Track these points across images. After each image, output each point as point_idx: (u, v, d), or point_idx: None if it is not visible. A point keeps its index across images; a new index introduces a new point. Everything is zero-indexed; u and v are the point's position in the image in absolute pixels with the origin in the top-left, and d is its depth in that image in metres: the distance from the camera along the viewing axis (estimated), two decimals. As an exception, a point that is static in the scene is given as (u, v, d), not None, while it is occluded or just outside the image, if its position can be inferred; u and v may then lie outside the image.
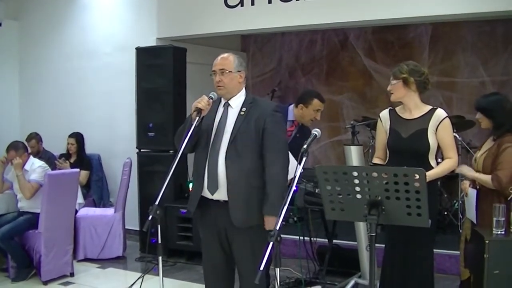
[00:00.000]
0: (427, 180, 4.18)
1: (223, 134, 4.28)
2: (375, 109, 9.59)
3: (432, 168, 4.48)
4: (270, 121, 4.28)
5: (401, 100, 4.62)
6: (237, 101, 4.38)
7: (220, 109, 4.38)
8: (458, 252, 6.34)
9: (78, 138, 8.66)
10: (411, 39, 9.90)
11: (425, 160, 4.49)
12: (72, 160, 8.58)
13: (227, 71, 4.29)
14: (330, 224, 6.62)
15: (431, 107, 4.61)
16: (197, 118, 4.14)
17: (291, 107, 6.13)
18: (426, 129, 4.52)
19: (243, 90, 4.43)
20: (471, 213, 4.93)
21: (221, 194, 4.24)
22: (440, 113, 4.55)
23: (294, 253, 6.81)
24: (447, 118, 4.54)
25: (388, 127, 4.70)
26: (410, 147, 4.50)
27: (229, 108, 4.36)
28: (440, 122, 4.51)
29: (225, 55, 4.39)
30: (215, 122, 4.34)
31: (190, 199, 4.47)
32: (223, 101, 4.38)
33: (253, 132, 4.26)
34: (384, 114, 4.81)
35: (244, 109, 4.32)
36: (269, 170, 4.24)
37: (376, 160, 4.90)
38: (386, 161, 4.76)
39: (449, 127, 4.55)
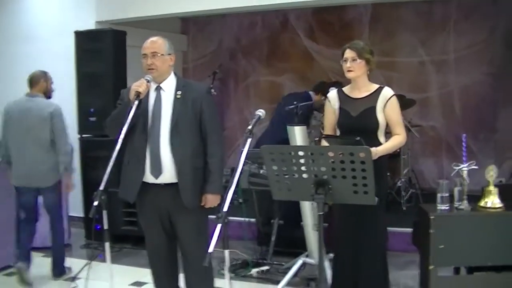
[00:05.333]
0: (379, 155, 4.26)
1: (160, 118, 4.31)
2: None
3: (382, 144, 4.52)
4: (206, 104, 4.41)
5: (355, 79, 4.63)
6: (168, 84, 4.41)
7: (152, 93, 4.38)
8: (402, 229, 6.49)
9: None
10: (351, 20, 9.98)
11: (374, 137, 4.52)
12: None
13: (159, 54, 4.32)
14: (276, 205, 6.63)
15: (378, 85, 4.64)
16: (136, 102, 4.12)
17: (312, 93, 7.61)
18: (375, 107, 4.54)
19: (173, 73, 4.46)
20: None
21: (165, 178, 4.29)
22: (387, 91, 4.59)
23: (240, 234, 6.82)
24: (394, 96, 4.59)
25: (337, 107, 4.70)
26: (359, 125, 4.52)
27: (161, 91, 4.38)
28: (388, 100, 4.55)
29: (155, 38, 4.41)
30: (149, 106, 4.34)
31: (125, 186, 4.48)
32: (153, 85, 4.36)
33: (192, 115, 4.35)
34: (333, 94, 4.81)
35: (179, 92, 4.36)
36: (211, 150, 4.39)
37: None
38: None
39: (396, 104, 4.60)
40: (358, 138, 4.08)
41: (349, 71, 4.58)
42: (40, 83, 6.26)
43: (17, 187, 6.19)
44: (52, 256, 6.37)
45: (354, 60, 4.53)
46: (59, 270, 6.34)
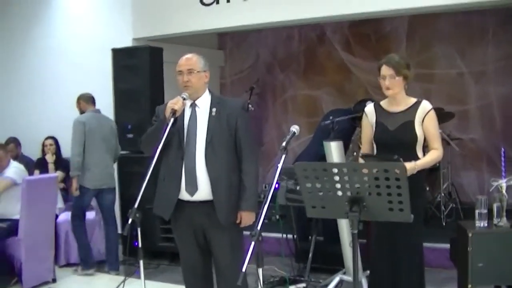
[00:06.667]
0: (418, 169, 4.20)
1: (196, 136, 4.29)
2: (354, 103, 9.59)
3: (420, 159, 4.46)
4: (241, 120, 4.38)
5: (394, 96, 4.58)
6: (204, 101, 4.39)
7: (187, 110, 4.36)
8: (441, 244, 6.37)
9: (55, 140, 8.53)
10: (388, 32, 9.93)
11: (412, 151, 4.46)
12: (52, 161, 8.40)
13: (195, 71, 4.30)
14: (313, 221, 6.58)
15: (416, 99, 4.59)
16: (172, 119, 4.11)
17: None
18: (413, 121, 4.49)
19: (207, 90, 4.44)
20: None
21: (200, 195, 4.26)
22: (426, 105, 4.54)
23: (277, 251, 6.78)
24: (433, 110, 4.54)
25: (374, 121, 4.66)
26: (397, 139, 4.47)
27: (196, 108, 4.36)
28: (426, 114, 4.50)
29: (190, 55, 4.39)
30: (184, 124, 4.33)
31: (160, 203, 4.45)
32: (188, 102, 4.34)
33: (227, 132, 4.32)
34: (370, 109, 4.76)
35: (214, 109, 4.34)
36: (245, 167, 4.36)
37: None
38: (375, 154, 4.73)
39: (434, 118, 4.54)
40: (396, 157, 4.02)
41: (387, 89, 4.52)
42: (95, 102, 7.33)
43: (86, 189, 7.07)
44: (107, 252, 7.27)
45: (392, 77, 4.48)
46: (117, 265, 7.23)
